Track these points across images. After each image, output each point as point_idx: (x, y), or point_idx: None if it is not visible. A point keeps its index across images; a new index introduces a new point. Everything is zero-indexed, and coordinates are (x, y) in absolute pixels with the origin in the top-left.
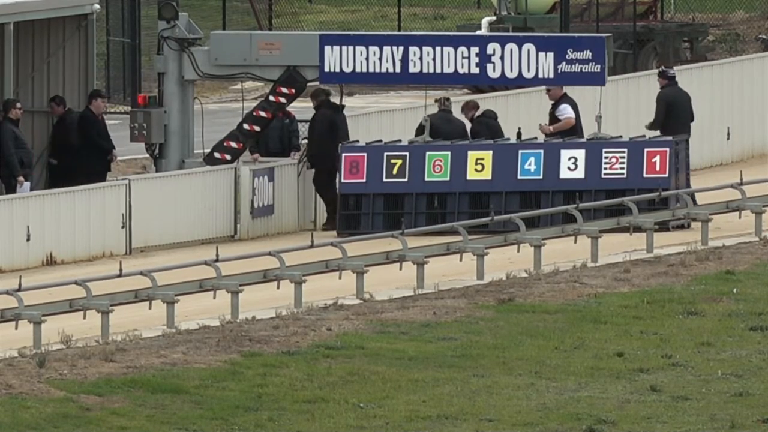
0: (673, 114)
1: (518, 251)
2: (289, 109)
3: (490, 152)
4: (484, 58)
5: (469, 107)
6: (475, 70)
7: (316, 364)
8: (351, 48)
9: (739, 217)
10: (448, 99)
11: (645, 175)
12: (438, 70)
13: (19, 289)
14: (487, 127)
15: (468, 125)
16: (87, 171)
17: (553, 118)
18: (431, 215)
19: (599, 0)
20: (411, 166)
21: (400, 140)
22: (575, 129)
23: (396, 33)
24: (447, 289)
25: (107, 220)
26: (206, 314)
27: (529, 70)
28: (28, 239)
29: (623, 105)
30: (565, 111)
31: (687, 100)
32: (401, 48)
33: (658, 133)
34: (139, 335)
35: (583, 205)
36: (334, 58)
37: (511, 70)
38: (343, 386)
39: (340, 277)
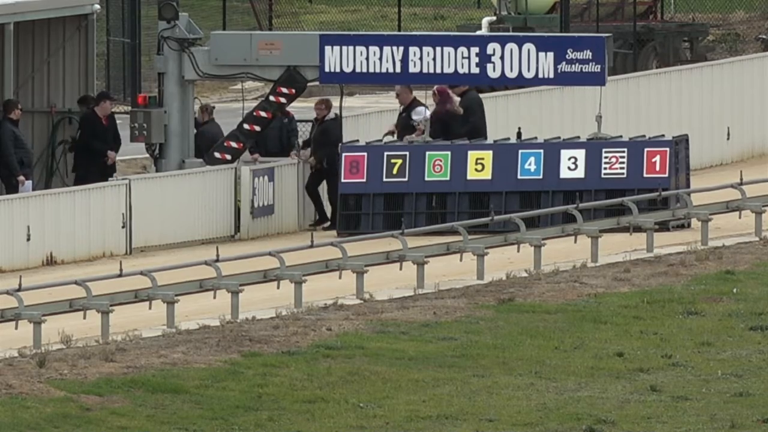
0: (484, 117)
1: (518, 251)
2: (288, 108)
3: (490, 152)
4: (484, 58)
5: (321, 107)
6: (475, 70)
7: (316, 364)
8: (351, 48)
9: (739, 217)
10: (213, 107)
11: (645, 175)
12: (438, 70)
13: (19, 289)
14: (324, 134)
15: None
16: (83, 172)
17: (406, 122)
18: (431, 215)
19: (599, 0)
20: (411, 166)
21: (400, 140)
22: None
23: (396, 33)
24: (447, 289)
25: (107, 220)
26: (206, 314)
27: (529, 70)
28: (28, 239)
29: (623, 105)
30: (422, 113)
31: None
32: (401, 48)
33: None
34: (139, 335)
35: (583, 205)
36: (334, 58)
37: (511, 70)
38: (343, 386)
39: (340, 277)
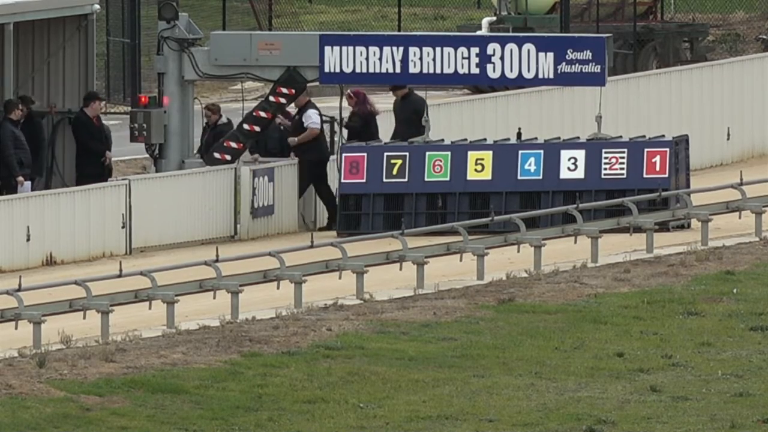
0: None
1: (518, 251)
2: (288, 109)
3: (490, 152)
4: (484, 59)
5: (209, 113)
6: (475, 70)
7: (316, 364)
8: (351, 48)
9: (739, 218)
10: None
11: (645, 176)
12: (438, 71)
13: (19, 289)
14: (218, 138)
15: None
16: (81, 174)
17: (299, 125)
18: (431, 215)
19: (599, 0)
20: (411, 166)
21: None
22: (319, 138)
23: (396, 33)
24: (447, 289)
25: (107, 220)
26: (206, 314)
27: (529, 71)
28: (28, 239)
29: (623, 105)
30: (312, 118)
31: None
32: (401, 48)
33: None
34: (139, 335)
35: (583, 206)
36: (334, 59)
37: (511, 71)
38: (343, 386)
39: (340, 277)
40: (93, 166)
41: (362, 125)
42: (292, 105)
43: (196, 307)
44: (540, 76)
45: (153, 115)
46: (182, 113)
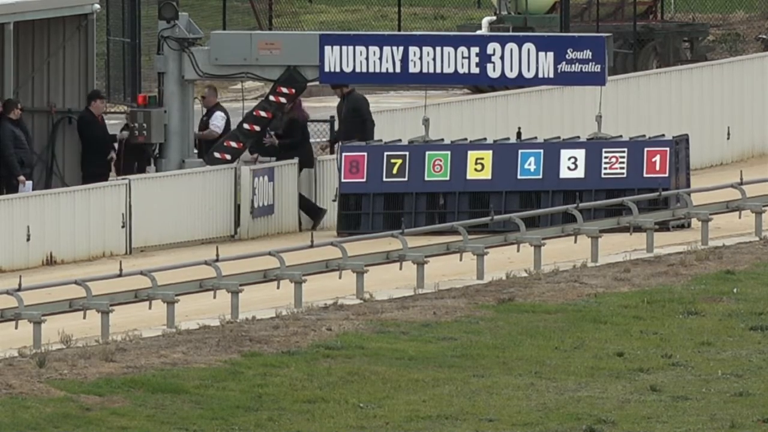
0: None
1: (518, 251)
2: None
3: (490, 152)
4: (484, 58)
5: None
6: (475, 70)
7: (316, 364)
8: (351, 48)
9: (739, 217)
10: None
11: (645, 175)
12: (438, 70)
13: (19, 289)
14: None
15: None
16: (87, 173)
17: (206, 125)
18: (431, 215)
19: (599, 0)
20: (411, 166)
21: (400, 140)
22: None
23: (396, 33)
24: (447, 289)
25: (107, 220)
26: (206, 314)
27: (529, 70)
28: (28, 239)
29: (623, 105)
30: (215, 121)
31: None
32: (401, 48)
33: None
34: (139, 335)
35: (583, 205)
36: (334, 58)
37: (511, 70)
38: (343, 386)
39: (340, 277)
40: (98, 165)
41: (301, 136)
42: (203, 106)
43: (196, 306)
44: (540, 75)
45: (153, 115)
46: (182, 113)
